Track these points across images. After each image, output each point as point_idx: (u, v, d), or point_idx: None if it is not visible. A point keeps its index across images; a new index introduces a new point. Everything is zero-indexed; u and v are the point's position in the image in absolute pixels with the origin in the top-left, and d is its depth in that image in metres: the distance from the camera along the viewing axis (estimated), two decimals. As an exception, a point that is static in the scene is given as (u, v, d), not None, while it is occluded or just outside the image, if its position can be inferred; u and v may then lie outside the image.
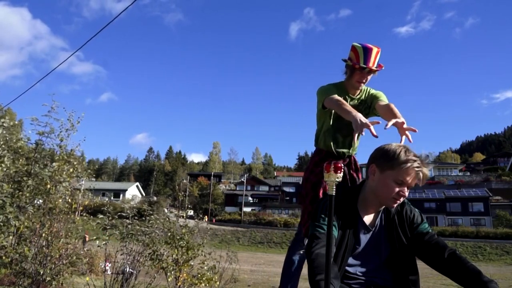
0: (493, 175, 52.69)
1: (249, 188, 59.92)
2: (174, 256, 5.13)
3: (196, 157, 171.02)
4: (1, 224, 4.17)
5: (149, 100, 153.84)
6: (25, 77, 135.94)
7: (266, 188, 63.20)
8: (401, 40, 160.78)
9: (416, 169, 1.49)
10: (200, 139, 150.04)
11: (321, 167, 2.47)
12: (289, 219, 43.25)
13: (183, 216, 7.12)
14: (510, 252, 31.31)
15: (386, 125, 1.79)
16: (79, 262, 4.87)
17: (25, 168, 4.82)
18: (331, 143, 2.51)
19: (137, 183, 65.11)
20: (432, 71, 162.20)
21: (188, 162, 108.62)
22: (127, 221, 4.94)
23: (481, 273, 1.38)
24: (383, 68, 2.35)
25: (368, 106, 2.47)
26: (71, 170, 5.04)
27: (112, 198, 51.86)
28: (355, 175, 2.56)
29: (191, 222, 5.95)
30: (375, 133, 1.68)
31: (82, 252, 5.13)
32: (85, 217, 5.30)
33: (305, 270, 1.59)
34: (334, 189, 1.21)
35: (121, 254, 4.69)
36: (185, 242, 5.20)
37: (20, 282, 4.33)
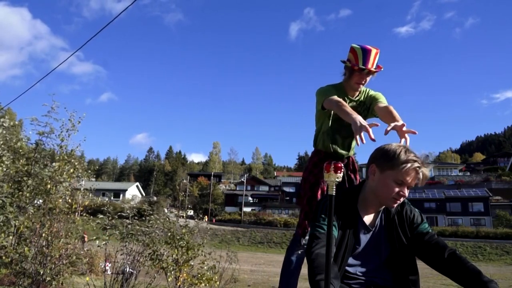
0: (493, 175, 52.69)
1: (249, 188, 59.92)
2: (174, 256, 5.13)
3: (196, 157, 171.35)
4: (1, 224, 4.17)
5: (149, 100, 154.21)
6: (25, 77, 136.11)
7: (266, 188, 63.22)
8: (401, 40, 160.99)
9: (416, 169, 1.49)
10: (200, 139, 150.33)
11: (320, 168, 2.48)
12: (289, 219, 43.24)
13: (183, 216, 7.12)
14: (510, 252, 31.30)
15: (386, 130, 1.79)
16: (79, 262, 4.87)
17: (25, 168, 4.82)
18: (330, 144, 2.51)
19: (137, 183, 65.10)
20: (432, 71, 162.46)
21: (188, 162, 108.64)
22: (127, 221, 4.94)
23: (481, 273, 1.38)
24: (382, 69, 2.35)
25: (367, 107, 2.47)
26: (71, 170, 5.04)
27: (112, 198, 51.85)
28: (352, 176, 2.56)
29: (191, 222, 5.95)
30: (373, 137, 1.68)
31: (82, 252, 5.13)
32: (85, 217, 5.30)
33: (305, 270, 1.59)
34: (334, 189, 1.21)
35: (121, 254, 4.69)
36: (185, 242, 5.20)
37: (20, 282, 4.33)
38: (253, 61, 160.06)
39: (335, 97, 2.23)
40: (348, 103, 2.34)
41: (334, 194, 1.20)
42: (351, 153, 2.62)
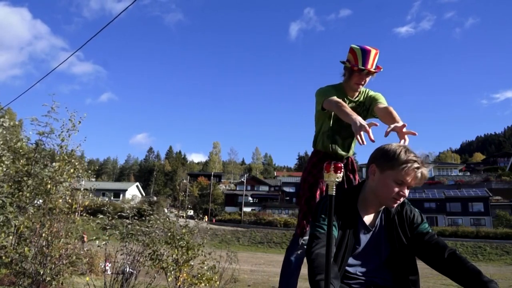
0: (493, 175, 52.71)
1: (249, 188, 59.93)
2: (174, 256, 5.13)
3: (196, 157, 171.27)
4: (1, 224, 4.17)
5: (149, 100, 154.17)
6: (25, 77, 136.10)
7: (266, 188, 63.23)
8: (401, 40, 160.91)
9: (416, 169, 1.49)
10: (200, 139, 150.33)
11: (318, 168, 2.48)
12: (289, 219, 43.24)
13: (183, 216, 7.12)
14: (510, 252, 31.31)
15: (386, 132, 1.79)
16: (79, 262, 4.86)
17: (25, 168, 4.82)
18: (329, 144, 2.51)
19: (137, 183, 65.11)
20: (432, 71, 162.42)
21: (188, 162, 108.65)
22: (127, 221, 4.94)
23: (481, 273, 1.38)
24: (381, 70, 2.35)
25: (367, 108, 2.47)
26: (71, 170, 5.04)
27: (112, 198, 51.83)
28: (351, 176, 2.56)
29: (191, 222, 5.95)
30: (373, 138, 1.68)
31: (82, 252, 5.13)
32: (85, 217, 5.30)
33: (305, 270, 1.59)
34: (334, 189, 1.21)
35: (121, 254, 4.70)
36: (185, 242, 5.20)
37: (20, 282, 4.33)
38: (253, 61, 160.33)
39: (335, 98, 2.23)
40: (348, 104, 2.34)
41: (334, 194, 1.20)
42: (350, 153, 2.62)
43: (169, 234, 5.19)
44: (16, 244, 4.51)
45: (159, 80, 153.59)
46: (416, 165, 1.48)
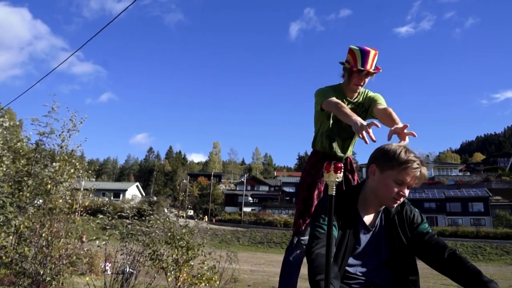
0: (493, 175, 52.71)
1: (249, 188, 59.93)
2: (174, 256, 5.13)
3: (196, 157, 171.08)
4: (1, 224, 4.17)
5: (149, 100, 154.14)
6: (25, 77, 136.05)
7: (266, 188, 63.24)
8: (401, 40, 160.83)
9: (416, 169, 1.49)
10: (200, 139, 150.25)
11: (317, 169, 2.49)
12: (289, 219, 43.18)
13: (183, 216, 7.12)
14: (510, 252, 31.31)
15: (389, 136, 1.79)
16: (79, 262, 4.87)
17: (26, 168, 4.82)
18: (328, 145, 2.51)
19: (137, 183, 65.12)
20: (432, 71, 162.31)
21: (188, 162, 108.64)
22: (127, 221, 4.94)
23: (481, 273, 1.38)
24: (380, 70, 2.35)
25: (366, 109, 2.47)
26: (72, 170, 5.04)
27: (112, 198, 51.87)
28: (350, 176, 2.56)
29: (191, 222, 5.95)
30: (374, 138, 1.69)
31: (82, 252, 5.13)
32: (85, 217, 5.30)
33: (305, 270, 1.59)
34: (334, 189, 1.21)
35: (121, 254, 4.69)
36: (185, 242, 5.20)
37: (20, 282, 4.33)
38: (253, 61, 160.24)
39: (334, 99, 2.23)
40: (347, 105, 2.34)
41: (334, 194, 1.20)
42: (349, 154, 2.63)
43: (169, 234, 5.19)
44: (16, 244, 4.51)
45: (159, 80, 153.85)
46: (416, 165, 1.48)
